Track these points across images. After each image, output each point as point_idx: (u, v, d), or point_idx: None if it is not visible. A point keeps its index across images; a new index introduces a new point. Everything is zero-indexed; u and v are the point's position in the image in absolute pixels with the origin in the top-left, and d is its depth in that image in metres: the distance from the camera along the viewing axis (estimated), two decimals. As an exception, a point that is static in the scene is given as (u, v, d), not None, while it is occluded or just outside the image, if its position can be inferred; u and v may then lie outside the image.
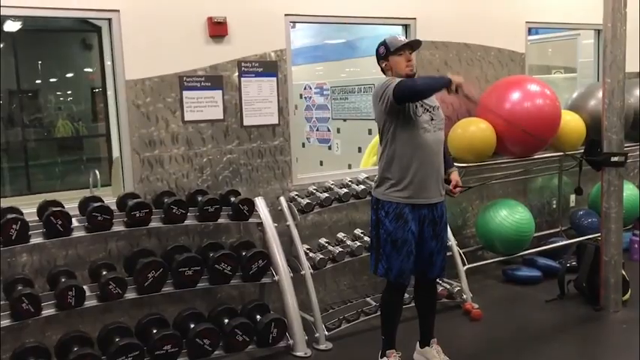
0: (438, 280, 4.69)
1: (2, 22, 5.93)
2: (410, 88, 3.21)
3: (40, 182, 8.59)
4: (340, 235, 4.55)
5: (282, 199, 4.38)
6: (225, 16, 4.20)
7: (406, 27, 5.13)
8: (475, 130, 4.96)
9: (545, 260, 5.37)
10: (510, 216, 5.14)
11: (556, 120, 5.06)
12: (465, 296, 4.69)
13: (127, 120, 4.00)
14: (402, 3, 5.00)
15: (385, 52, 3.42)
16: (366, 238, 4.44)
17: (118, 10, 3.90)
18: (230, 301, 4.25)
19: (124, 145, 4.02)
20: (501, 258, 5.37)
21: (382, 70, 3.49)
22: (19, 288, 3.40)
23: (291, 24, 4.74)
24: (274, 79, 4.46)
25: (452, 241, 4.81)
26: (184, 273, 3.68)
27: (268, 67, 4.43)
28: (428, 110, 3.42)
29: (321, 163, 7.48)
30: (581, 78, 7.10)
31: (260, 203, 4.22)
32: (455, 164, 4.89)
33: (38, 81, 9.09)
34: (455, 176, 3.68)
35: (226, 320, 3.81)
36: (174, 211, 3.78)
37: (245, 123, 4.38)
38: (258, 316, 3.92)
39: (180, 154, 4.18)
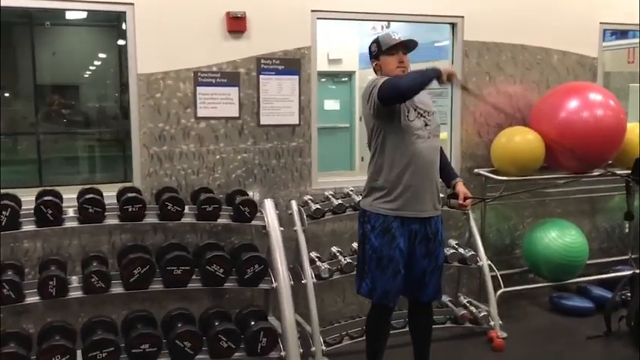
0: (466, 302, 4.36)
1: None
2: (394, 86, 2.91)
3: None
4: (355, 245, 4.28)
5: (293, 202, 4.18)
6: (245, 11, 4.07)
7: (453, 26, 4.75)
8: (520, 140, 4.51)
9: (601, 291, 4.77)
10: (559, 238, 4.60)
11: (618, 134, 4.48)
12: (492, 323, 4.25)
13: (137, 113, 3.99)
14: (447, -1, 4.64)
15: (377, 51, 3.14)
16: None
17: (133, 4, 3.90)
18: (237, 304, 4.12)
19: (133, 138, 4.02)
20: (550, 284, 4.84)
21: (374, 69, 3.20)
22: (9, 273, 3.47)
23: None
24: (296, 77, 4.28)
25: (483, 261, 4.38)
26: (173, 272, 3.59)
27: (290, 65, 4.25)
28: (422, 115, 3.10)
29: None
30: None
31: (268, 205, 4.05)
32: (497, 177, 4.57)
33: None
34: (461, 187, 3.32)
35: (215, 324, 3.69)
36: (168, 207, 3.70)
37: (262, 122, 4.23)
38: (252, 323, 3.76)
39: (192, 151, 4.11)
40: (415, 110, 3.09)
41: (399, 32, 3.20)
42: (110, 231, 3.96)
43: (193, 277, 3.67)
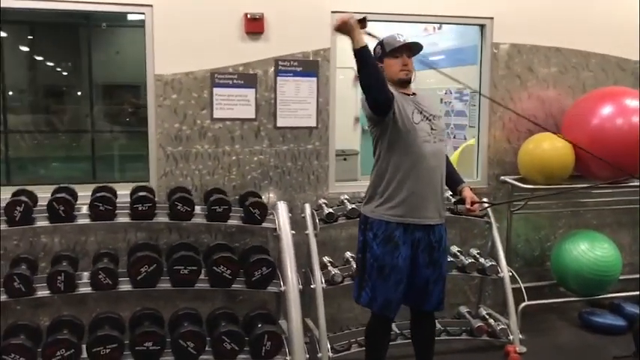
0: (485, 314, 4.22)
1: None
2: (366, 93, 2.85)
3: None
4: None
5: (306, 205, 4.13)
6: (263, 12, 4.06)
7: (481, 28, 4.59)
8: (548, 147, 4.30)
9: (635, 308, 4.50)
10: (590, 251, 4.36)
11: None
12: (511, 337, 4.08)
13: (153, 114, 4.04)
14: None
15: (381, 53, 3.06)
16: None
17: (151, 5, 3.95)
18: (250, 306, 4.10)
19: (150, 138, 4.06)
20: (578, 298, 4.60)
21: None
22: (22, 267, 3.57)
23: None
24: (314, 79, 4.23)
25: (504, 272, 4.21)
26: (180, 271, 3.61)
27: (308, 67, 4.21)
28: (427, 118, 3.01)
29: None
30: None
31: (281, 208, 4.02)
32: (523, 185, 4.40)
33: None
34: (468, 192, 3.20)
35: (221, 325, 3.69)
36: (178, 207, 3.73)
37: (279, 124, 4.21)
38: (258, 326, 3.74)
39: (207, 152, 4.13)
40: (420, 113, 3.00)
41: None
42: (125, 229, 4.02)
43: (201, 277, 3.69)
